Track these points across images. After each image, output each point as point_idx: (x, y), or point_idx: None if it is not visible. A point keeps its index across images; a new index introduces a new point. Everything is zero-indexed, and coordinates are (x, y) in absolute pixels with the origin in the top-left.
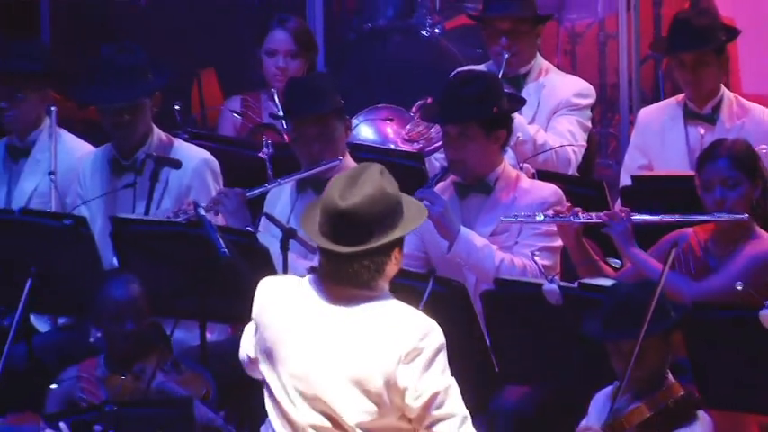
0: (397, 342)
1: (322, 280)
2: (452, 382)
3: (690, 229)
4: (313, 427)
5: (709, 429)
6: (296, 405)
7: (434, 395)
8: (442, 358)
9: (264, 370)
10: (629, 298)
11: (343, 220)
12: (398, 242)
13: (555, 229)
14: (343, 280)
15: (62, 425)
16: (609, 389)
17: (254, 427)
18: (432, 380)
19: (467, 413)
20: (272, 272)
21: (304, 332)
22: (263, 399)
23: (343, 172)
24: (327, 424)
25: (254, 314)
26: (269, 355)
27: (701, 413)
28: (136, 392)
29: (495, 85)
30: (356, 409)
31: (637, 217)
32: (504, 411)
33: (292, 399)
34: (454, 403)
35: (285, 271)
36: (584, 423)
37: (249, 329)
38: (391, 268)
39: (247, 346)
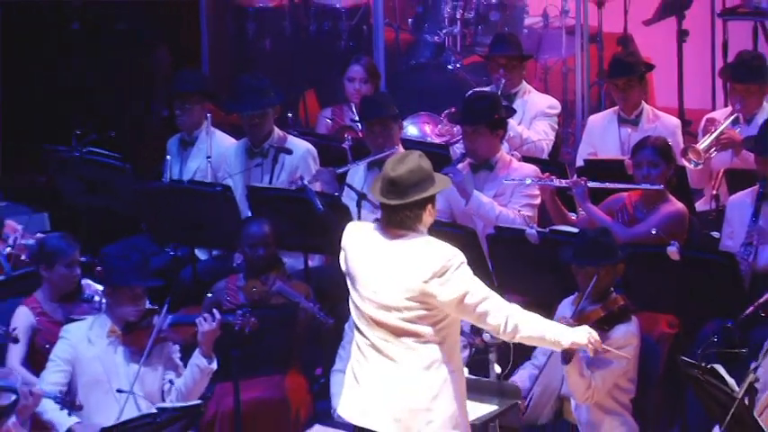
0: (430, 262)
1: (382, 225)
2: (478, 282)
3: (625, 194)
4: (374, 319)
5: (638, 327)
6: (366, 304)
7: (466, 292)
8: (466, 269)
9: (348, 281)
10: (593, 240)
11: (392, 183)
12: (430, 199)
13: (535, 193)
14: (394, 224)
15: (215, 310)
16: (570, 298)
17: (341, 323)
18: (461, 282)
19: (496, 294)
20: (351, 221)
21: (370, 258)
22: (347, 304)
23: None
24: (385, 317)
25: (342, 244)
26: (349, 271)
27: (633, 317)
28: (263, 293)
29: (496, 100)
30: (403, 308)
31: (591, 183)
32: None
33: (364, 300)
34: (485, 291)
35: (359, 220)
36: (557, 317)
37: (341, 253)
38: (426, 217)
39: (342, 260)
